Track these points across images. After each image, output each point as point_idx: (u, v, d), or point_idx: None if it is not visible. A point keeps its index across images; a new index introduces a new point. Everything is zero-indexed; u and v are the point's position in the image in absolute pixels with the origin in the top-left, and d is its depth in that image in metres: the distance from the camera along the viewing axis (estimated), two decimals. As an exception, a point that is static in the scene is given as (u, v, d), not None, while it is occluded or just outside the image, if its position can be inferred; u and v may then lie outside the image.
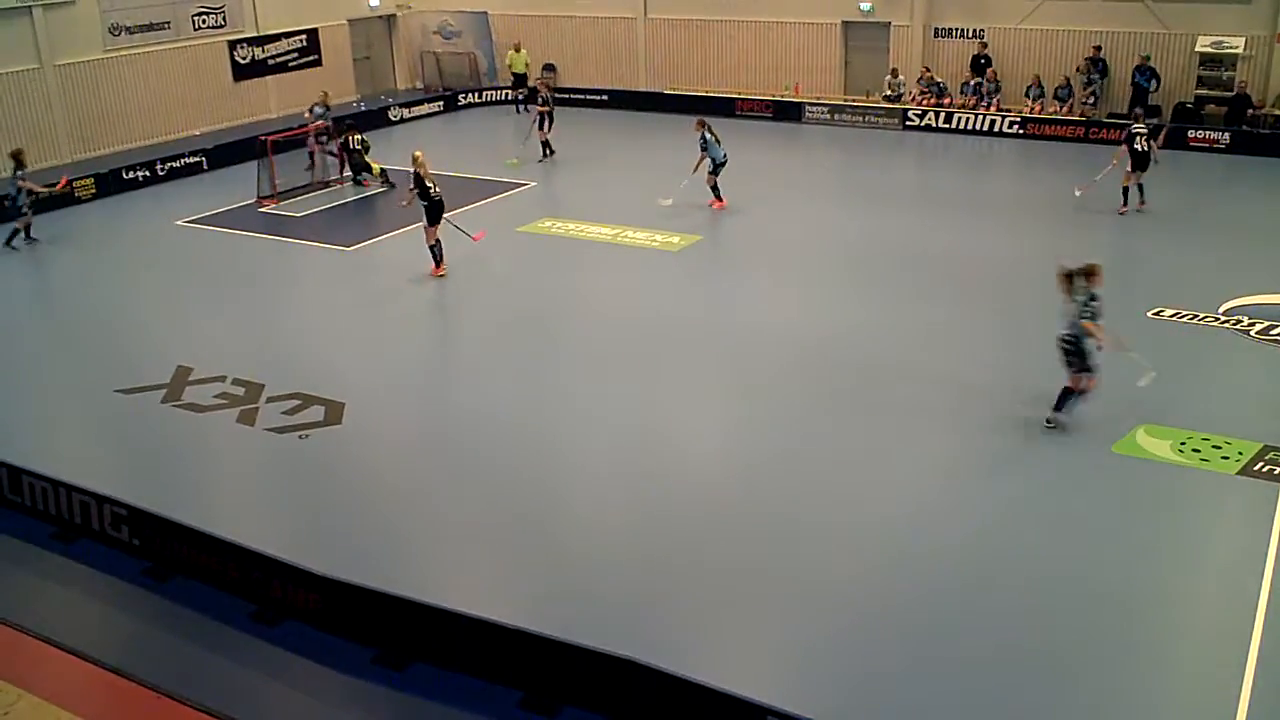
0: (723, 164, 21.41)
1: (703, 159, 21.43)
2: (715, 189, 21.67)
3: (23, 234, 21.01)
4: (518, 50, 33.26)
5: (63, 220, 22.75)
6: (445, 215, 18.35)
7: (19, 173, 20.82)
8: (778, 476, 11.92)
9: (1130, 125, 20.64)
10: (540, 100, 26.33)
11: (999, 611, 9.56)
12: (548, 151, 26.31)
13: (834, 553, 10.50)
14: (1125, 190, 20.56)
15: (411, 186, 18.05)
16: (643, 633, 9.11)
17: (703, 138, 21.29)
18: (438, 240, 18.23)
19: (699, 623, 9.55)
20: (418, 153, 18.23)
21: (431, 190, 17.90)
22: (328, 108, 26.86)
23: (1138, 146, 20.17)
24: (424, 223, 18.18)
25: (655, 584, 10.10)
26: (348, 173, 25.14)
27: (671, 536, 10.82)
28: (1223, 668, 8.76)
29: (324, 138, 25.62)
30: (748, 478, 11.99)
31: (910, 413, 13.25)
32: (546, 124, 26.02)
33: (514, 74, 33.31)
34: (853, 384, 14.07)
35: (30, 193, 20.96)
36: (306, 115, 26.61)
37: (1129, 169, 20.39)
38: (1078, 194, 21.33)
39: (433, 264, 18.31)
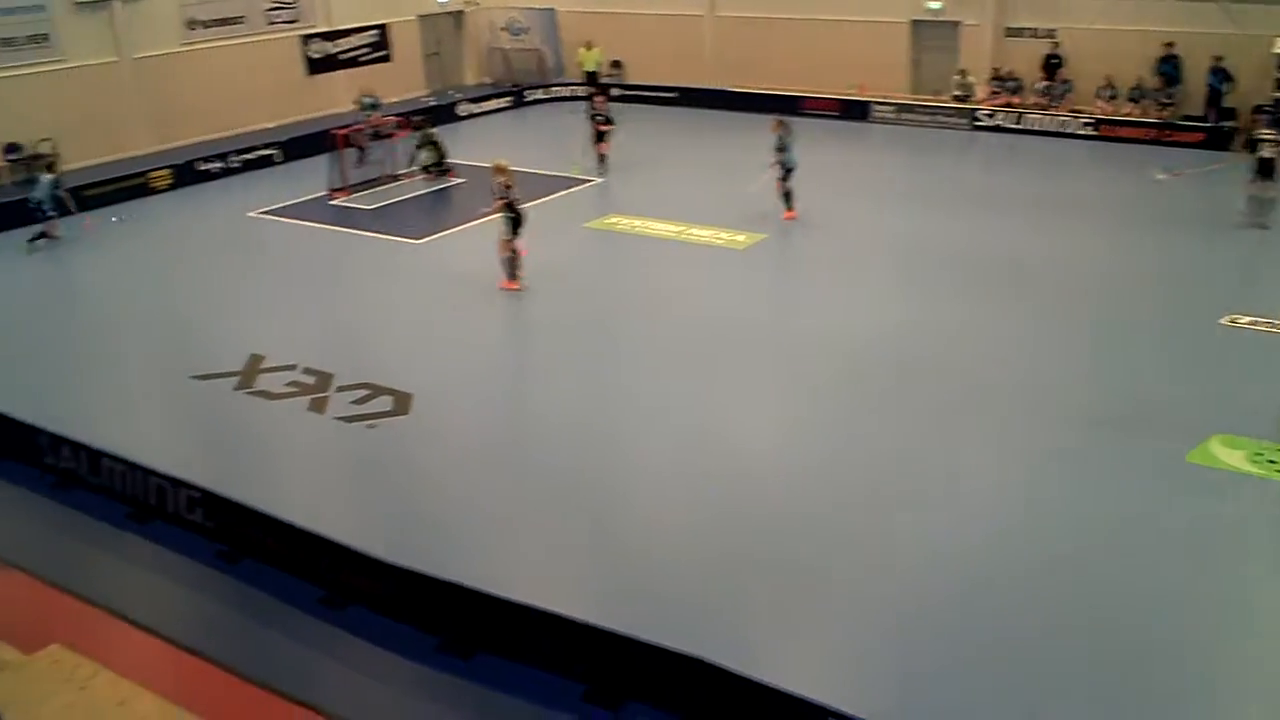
0: (792, 170, 20.69)
1: (779, 160, 20.60)
2: (788, 198, 20.84)
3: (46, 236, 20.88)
4: (589, 48, 33.38)
5: (139, 210, 23.42)
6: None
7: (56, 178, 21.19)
8: (840, 477, 11.88)
9: (1255, 131, 19.69)
10: (596, 118, 24.77)
11: (1066, 616, 9.46)
12: (603, 164, 24.97)
13: (896, 553, 10.45)
14: (1251, 200, 19.61)
15: (501, 198, 17.21)
16: (701, 630, 9.11)
17: (780, 139, 20.46)
18: (514, 252, 17.58)
19: (757, 622, 9.56)
20: (504, 162, 17.47)
21: (515, 202, 17.30)
22: (376, 101, 27.20)
23: (1265, 154, 19.31)
24: (503, 234, 17.50)
25: (715, 583, 10.11)
26: (414, 165, 25.46)
27: (733, 537, 10.82)
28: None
29: (389, 129, 25.93)
30: (810, 478, 11.94)
31: (980, 417, 13.08)
32: (605, 139, 24.79)
33: (585, 72, 33.45)
34: (917, 386, 13.93)
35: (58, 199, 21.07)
36: (364, 104, 26.94)
37: (1251, 177, 19.57)
38: (1160, 178, 20.81)
39: (505, 278, 17.65)
